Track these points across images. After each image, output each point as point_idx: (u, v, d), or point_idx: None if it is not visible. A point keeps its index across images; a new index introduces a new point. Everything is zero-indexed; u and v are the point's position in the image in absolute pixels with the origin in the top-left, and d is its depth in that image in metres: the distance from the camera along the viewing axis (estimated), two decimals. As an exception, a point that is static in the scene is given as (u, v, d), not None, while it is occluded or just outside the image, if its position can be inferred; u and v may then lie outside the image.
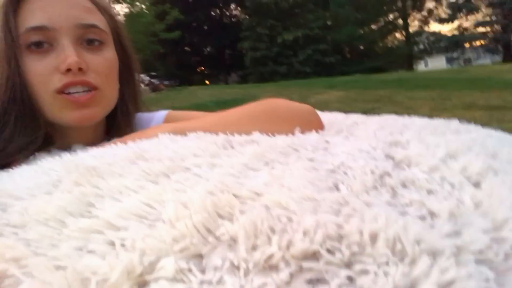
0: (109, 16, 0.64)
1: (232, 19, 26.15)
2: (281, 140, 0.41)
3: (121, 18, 17.93)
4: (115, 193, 0.30)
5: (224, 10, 26.07)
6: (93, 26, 0.59)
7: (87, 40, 0.59)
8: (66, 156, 0.42)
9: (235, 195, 0.27)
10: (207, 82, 23.59)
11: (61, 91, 0.56)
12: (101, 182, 0.32)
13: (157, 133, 0.45)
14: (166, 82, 14.40)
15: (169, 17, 19.16)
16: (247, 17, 22.87)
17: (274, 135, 0.45)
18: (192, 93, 9.59)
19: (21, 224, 0.28)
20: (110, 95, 0.62)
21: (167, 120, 0.70)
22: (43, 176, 0.36)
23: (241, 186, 0.28)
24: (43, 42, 0.56)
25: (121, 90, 0.66)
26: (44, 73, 0.56)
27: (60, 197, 0.30)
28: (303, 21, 20.58)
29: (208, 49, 25.66)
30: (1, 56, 0.56)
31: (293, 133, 0.47)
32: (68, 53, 0.55)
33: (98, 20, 0.61)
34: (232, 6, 26.20)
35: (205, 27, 24.75)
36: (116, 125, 0.66)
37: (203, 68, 26.35)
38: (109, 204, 0.28)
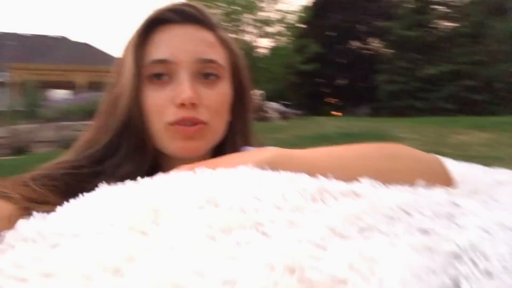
0: (230, 50, 0.66)
1: (371, 52, 25.67)
2: (390, 197, 0.33)
3: (265, 51, 19.42)
4: (163, 249, 0.27)
5: (363, 43, 25.82)
6: (211, 61, 0.61)
7: (204, 74, 0.61)
8: (134, 187, 0.39)
9: (301, 280, 0.20)
10: (336, 113, 23.41)
11: (173, 124, 0.58)
12: (154, 230, 0.29)
13: (241, 163, 0.43)
14: (296, 112, 14.72)
15: (309, 50, 19.81)
16: (387, 50, 22.20)
17: (384, 186, 0.37)
18: (320, 123, 9.55)
19: (53, 272, 0.26)
20: (217, 130, 0.63)
21: None
22: (103, 212, 0.34)
23: (316, 263, 0.22)
24: (163, 74, 0.59)
25: (232, 122, 0.67)
26: (160, 104, 0.59)
27: (103, 244, 0.28)
28: (449, 56, 19.05)
29: (340, 80, 25.58)
30: (125, 84, 0.60)
31: (410, 186, 0.38)
32: (184, 88, 0.58)
33: (218, 54, 0.63)
34: (372, 39, 25.77)
35: (341, 60, 24.82)
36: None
37: (333, 99, 26.31)
38: (146, 265, 0.25)
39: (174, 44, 0.60)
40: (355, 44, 25.99)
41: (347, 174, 0.40)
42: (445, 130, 7.17)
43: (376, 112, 20.86)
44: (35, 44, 19.10)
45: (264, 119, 10.97)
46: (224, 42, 0.65)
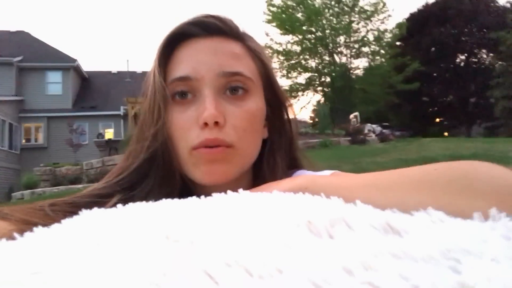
0: (261, 61, 0.60)
1: (481, 65, 23.40)
2: (445, 236, 0.25)
3: (359, 71, 19.04)
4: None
5: (471, 56, 23.69)
6: (237, 74, 0.55)
7: (231, 88, 0.55)
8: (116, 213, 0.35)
9: None
10: (445, 134, 21.60)
11: (196, 147, 0.53)
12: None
13: (276, 189, 0.39)
14: (397, 133, 13.95)
15: (408, 69, 18.89)
16: (500, 62, 20.02)
17: (454, 217, 0.29)
18: (424, 145, 8.88)
19: None
20: (245, 153, 0.56)
21: None
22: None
23: None
24: (187, 92, 0.55)
25: (270, 139, 0.62)
26: (184, 127, 0.54)
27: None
28: None
29: (448, 98, 23.64)
30: (150, 107, 0.56)
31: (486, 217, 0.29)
32: (206, 105, 0.52)
33: (245, 66, 0.57)
34: (483, 51, 23.53)
35: (447, 76, 23.03)
36: (261, 178, 0.59)
37: (441, 119, 24.35)
38: None
39: (195, 59, 0.55)
40: (462, 58, 23.95)
41: (397, 205, 0.33)
42: None
43: (492, 132, 18.77)
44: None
45: (362, 141, 10.60)
46: (253, 53, 0.59)
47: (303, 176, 0.47)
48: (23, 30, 21.62)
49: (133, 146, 0.58)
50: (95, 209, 0.37)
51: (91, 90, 20.44)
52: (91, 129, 17.64)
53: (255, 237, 0.26)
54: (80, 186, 8.68)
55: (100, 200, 0.52)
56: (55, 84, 18.95)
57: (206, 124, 0.52)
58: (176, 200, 0.39)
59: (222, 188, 0.54)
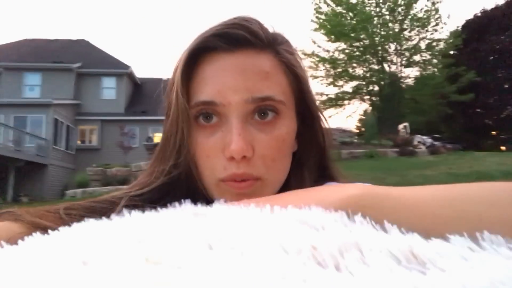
0: (293, 73, 0.55)
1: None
2: (494, 270, 0.21)
3: (411, 81, 18.41)
4: None
5: (533, 66, 22.19)
6: (267, 99, 0.50)
7: (260, 111, 0.51)
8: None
9: None
10: (502, 148, 20.33)
11: (224, 180, 0.51)
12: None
13: (317, 202, 0.35)
14: (448, 146, 13.31)
15: (463, 79, 18.05)
16: None
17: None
18: (477, 160, 8.40)
19: None
20: (274, 182, 0.53)
21: None
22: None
23: None
24: (212, 115, 0.51)
25: (299, 152, 0.59)
26: (210, 155, 0.51)
27: None
28: None
29: (506, 110, 22.25)
30: (172, 127, 0.53)
31: None
32: (233, 138, 0.48)
33: (276, 86, 0.52)
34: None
35: (506, 86, 21.71)
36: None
37: (497, 132, 22.95)
38: None
39: (222, 81, 0.50)
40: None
41: (465, 227, 0.29)
42: None
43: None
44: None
45: (410, 153, 10.23)
46: (285, 65, 0.54)
47: (358, 186, 0.38)
48: (83, 38, 23.05)
49: (156, 164, 0.55)
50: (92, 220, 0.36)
51: (143, 95, 21.30)
52: (141, 132, 18.36)
53: (248, 267, 0.23)
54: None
55: (112, 207, 0.50)
56: (109, 89, 19.98)
57: (233, 158, 0.49)
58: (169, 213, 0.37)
59: None
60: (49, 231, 0.34)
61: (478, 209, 0.31)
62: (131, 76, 21.17)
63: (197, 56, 0.52)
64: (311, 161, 0.59)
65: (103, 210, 0.50)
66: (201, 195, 0.53)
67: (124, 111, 19.97)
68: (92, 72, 19.61)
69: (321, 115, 0.60)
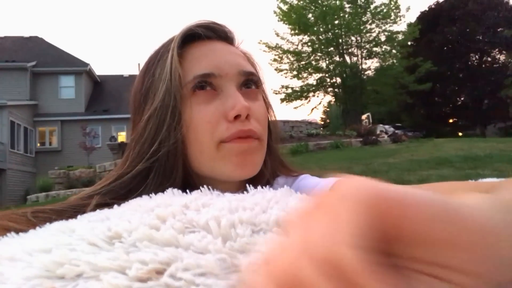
0: (254, 66, 0.63)
1: (494, 65, 23.04)
2: None
3: (371, 72, 18.88)
4: None
5: (484, 56, 23.34)
6: (252, 74, 0.58)
7: (246, 85, 0.58)
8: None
9: None
10: (459, 134, 21.31)
11: (228, 140, 0.53)
12: None
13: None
14: (409, 133, 13.79)
15: (421, 69, 18.71)
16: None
17: None
18: (437, 146, 8.76)
19: None
20: (265, 146, 0.58)
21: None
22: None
23: None
24: (206, 87, 0.55)
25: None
26: (211, 121, 0.53)
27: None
28: None
29: (462, 98, 23.33)
30: (162, 106, 0.54)
31: None
32: (237, 99, 0.53)
33: (252, 68, 0.61)
34: (496, 50, 23.17)
35: (460, 76, 22.73)
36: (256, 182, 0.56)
37: (455, 119, 24.04)
38: None
39: (215, 57, 0.57)
40: (475, 57, 23.62)
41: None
42: None
43: (507, 132, 18.46)
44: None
45: (374, 142, 10.52)
46: (250, 59, 0.64)
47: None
48: (37, 35, 21.98)
49: (132, 154, 0.56)
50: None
51: (104, 93, 20.68)
52: (104, 132, 17.85)
53: None
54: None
55: (82, 209, 0.50)
56: (68, 88, 19.23)
57: (237, 117, 0.53)
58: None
59: (225, 186, 0.54)
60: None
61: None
62: (90, 73, 20.43)
63: (185, 43, 0.58)
64: (271, 148, 0.63)
65: (74, 211, 0.50)
66: (179, 176, 0.54)
67: (85, 110, 19.31)
68: (48, 71, 18.78)
69: (269, 101, 0.66)
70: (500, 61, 23.07)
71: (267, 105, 0.64)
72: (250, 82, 0.58)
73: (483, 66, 22.88)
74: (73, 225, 0.34)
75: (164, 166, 0.54)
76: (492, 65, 22.96)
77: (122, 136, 17.91)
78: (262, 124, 0.56)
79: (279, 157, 0.66)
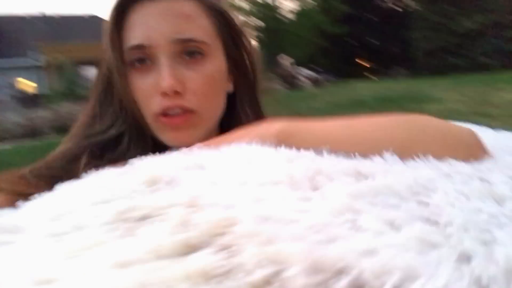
0: (219, 15, 0.58)
1: (401, 9, 24.37)
2: (403, 175, 0.31)
3: (290, 15, 18.87)
4: None
5: (393, -1, 24.50)
6: (190, 40, 0.55)
7: (186, 53, 0.55)
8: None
9: None
10: (370, 76, 22.72)
11: (159, 114, 0.55)
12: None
13: (243, 139, 0.41)
14: (329, 77, 14.39)
15: (336, 11, 19.10)
16: (419, 4, 21.00)
17: (402, 162, 0.35)
18: (355, 88, 9.31)
19: None
20: (208, 116, 0.58)
21: None
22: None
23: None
24: (145, 59, 0.55)
25: (236, 93, 0.63)
26: (146, 94, 0.55)
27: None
28: (489, 6, 17.81)
29: (372, 41, 24.58)
30: (110, 71, 0.57)
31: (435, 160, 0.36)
32: (163, 75, 0.53)
33: (198, 29, 0.56)
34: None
35: (371, 18, 23.75)
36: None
37: (367, 62, 25.44)
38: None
39: (147, 26, 0.54)
40: (383, 1, 24.67)
41: (364, 149, 0.37)
42: (489, 89, 6.79)
43: (413, 73, 20.13)
44: (67, 25, 19.47)
45: (295, 86, 10.82)
46: (210, 9, 0.58)
47: (278, 122, 0.44)
48: None
49: (97, 107, 0.59)
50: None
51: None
52: (3, 80, 15.90)
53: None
54: (7, 146, 7.94)
55: (73, 162, 0.54)
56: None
57: (165, 94, 0.53)
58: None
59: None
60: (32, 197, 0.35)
61: (374, 136, 0.40)
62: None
63: (125, 7, 0.56)
64: (245, 101, 0.64)
65: (62, 167, 0.53)
66: (149, 133, 0.58)
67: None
68: None
69: (254, 56, 0.64)
70: (406, 6, 24.43)
71: (242, 59, 0.62)
72: (192, 50, 0.55)
73: (392, 9, 24.06)
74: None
75: (135, 128, 0.57)
76: (399, 9, 24.25)
77: (28, 86, 16.14)
78: (200, 97, 0.55)
79: (259, 110, 0.65)
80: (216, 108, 0.60)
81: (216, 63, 0.58)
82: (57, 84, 11.36)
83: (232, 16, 0.61)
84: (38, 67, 16.71)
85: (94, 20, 19.95)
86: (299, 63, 17.25)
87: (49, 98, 9.43)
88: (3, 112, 10.00)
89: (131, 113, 0.57)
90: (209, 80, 0.56)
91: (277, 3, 18.38)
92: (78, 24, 19.73)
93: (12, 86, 12.87)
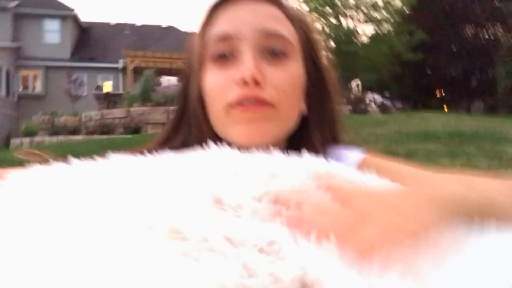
0: (301, 27, 0.58)
1: (489, 39, 22.88)
2: None
3: (366, 39, 18.53)
4: None
5: (480, 29, 23.11)
6: (278, 35, 0.54)
7: (271, 51, 0.54)
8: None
9: None
10: (445, 108, 21.52)
11: (235, 104, 0.52)
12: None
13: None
14: (398, 104, 13.87)
15: (414, 38, 18.45)
16: (508, 37, 19.61)
17: None
18: (425, 119, 8.86)
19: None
20: (286, 116, 0.55)
21: (361, 167, 0.53)
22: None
23: None
24: (227, 55, 0.54)
25: (309, 116, 0.59)
26: (222, 85, 0.53)
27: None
28: None
29: (452, 72, 23.30)
30: (192, 67, 0.58)
31: None
32: (246, 63, 0.51)
33: (285, 29, 0.55)
34: (492, 24, 22.94)
35: (453, 49, 22.58)
36: None
37: (443, 93, 24.15)
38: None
39: (236, 18, 0.54)
40: (470, 30, 23.33)
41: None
42: None
43: (493, 110, 18.73)
44: (147, 34, 20.85)
45: (362, 111, 10.56)
46: (293, 18, 0.57)
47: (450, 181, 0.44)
48: (20, -28, 20.71)
49: (175, 122, 0.62)
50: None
51: (90, 41, 19.96)
52: (90, 81, 17.39)
53: None
54: (79, 137, 8.69)
55: None
56: (53, 32, 18.51)
57: (245, 82, 0.51)
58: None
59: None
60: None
61: None
62: (75, 19, 19.60)
63: (218, 6, 0.56)
64: (321, 127, 0.59)
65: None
66: (209, 134, 0.56)
67: (70, 57, 18.68)
68: (32, 13, 17.94)
69: (333, 76, 0.61)
70: (493, 37, 22.94)
71: (319, 74, 0.59)
72: (277, 48, 0.54)
73: (477, 40, 22.72)
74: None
75: (198, 125, 0.57)
76: (485, 40, 22.84)
77: (107, 86, 17.50)
78: (281, 93, 0.52)
79: (335, 128, 0.62)
80: (294, 111, 0.56)
81: (297, 68, 0.56)
82: (134, 87, 12.15)
83: (314, 31, 0.60)
84: (119, 70, 18.05)
85: (172, 31, 21.12)
86: (369, 88, 16.86)
87: (125, 100, 10.11)
88: (85, 108, 10.95)
89: (193, 109, 0.57)
90: (290, 80, 0.54)
91: (351, 26, 18.18)
92: (158, 33, 20.98)
93: (95, 86, 14.03)
